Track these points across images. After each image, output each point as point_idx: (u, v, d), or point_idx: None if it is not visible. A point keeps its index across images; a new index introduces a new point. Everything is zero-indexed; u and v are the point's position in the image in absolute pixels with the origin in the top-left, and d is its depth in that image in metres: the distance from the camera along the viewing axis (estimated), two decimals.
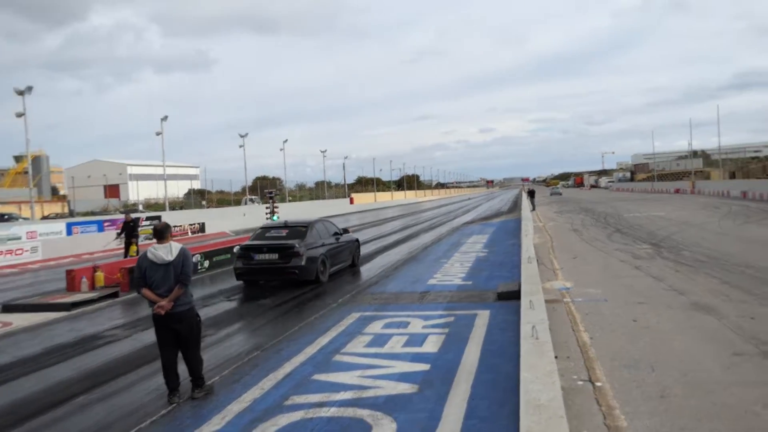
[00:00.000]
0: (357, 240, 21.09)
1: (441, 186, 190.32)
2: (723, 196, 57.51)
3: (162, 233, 9.54)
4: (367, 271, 19.50)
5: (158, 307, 9.33)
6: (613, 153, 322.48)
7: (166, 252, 9.41)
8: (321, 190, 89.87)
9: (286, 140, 73.09)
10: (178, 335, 9.37)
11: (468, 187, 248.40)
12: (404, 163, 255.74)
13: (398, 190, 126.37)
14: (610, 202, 55.65)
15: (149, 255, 9.46)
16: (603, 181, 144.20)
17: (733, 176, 77.61)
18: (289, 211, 49.65)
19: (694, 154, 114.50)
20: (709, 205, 43.95)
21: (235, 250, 19.80)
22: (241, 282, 18.00)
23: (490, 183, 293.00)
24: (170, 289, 9.36)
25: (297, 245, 17.40)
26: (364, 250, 24.44)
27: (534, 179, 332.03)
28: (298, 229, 18.22)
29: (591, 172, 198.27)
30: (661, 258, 18.73)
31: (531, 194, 53.59)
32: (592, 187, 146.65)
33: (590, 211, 42.69)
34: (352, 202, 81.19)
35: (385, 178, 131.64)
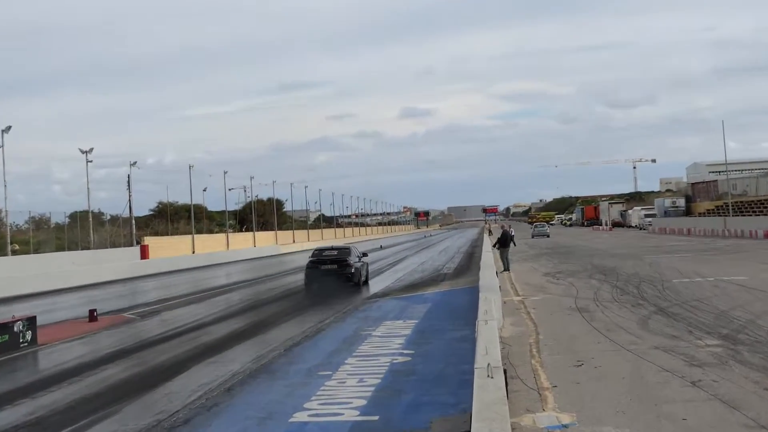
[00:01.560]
0: (367, 264, 32.19)
1: (327, 223, 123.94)
2: None
3: None
4: (175, 396, 12.28)
5: None
6: (653, 162, 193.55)
7: None
8: (80, 227, 52.72)
9: (8, 127, 43.62)
10: None
11: (381, 224, 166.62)
12: (253, 177, 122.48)
13: (241, 228, 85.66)
14: (647, 255, 38.78)
15: None
16: (635, 214, 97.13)
17: None
18: None
19: None
20: None
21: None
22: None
23: (422, 216, 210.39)
24: None
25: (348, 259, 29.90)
26: (177, 354, 16.42)
27: (507, 210, 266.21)
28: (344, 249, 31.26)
29: (613, 198, 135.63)
30: (740, 363, 12.37)
31: (502, 240, 33.62)
32: (615, 225, 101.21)
33: (610, 273, 28.75)
34: (145, 254, 53.83)
35: (214, 205, 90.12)
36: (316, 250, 31.82)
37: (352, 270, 29.56)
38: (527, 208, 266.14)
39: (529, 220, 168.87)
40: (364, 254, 32.40)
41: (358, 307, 22.96)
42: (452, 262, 43.98)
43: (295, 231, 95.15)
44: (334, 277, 29.22)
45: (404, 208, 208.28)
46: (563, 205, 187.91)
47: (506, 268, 31.21)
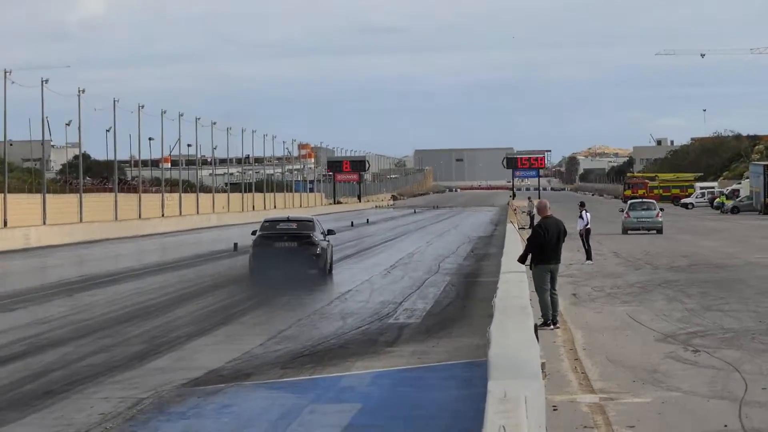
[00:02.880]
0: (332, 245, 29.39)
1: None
2: None
3: None
4: None
5: None
6: None
7: None
8: None
9: None
10: None
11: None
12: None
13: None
14: None
15: None
16: None
17: None
18: None
19: None
20: None
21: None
22: None
23: (347, 172, 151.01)
24: None
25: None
26: None
27: (563, 166, 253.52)
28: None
29: None
30: None
31: (536, 241, 17.91)
32: None
33: None
34: None
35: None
36: (266, 221, 28.88)
37: (317, 250, 26.97)
38: (616, 161, 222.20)
39: (625, 193, 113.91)
40: (330, 231, 29.15)
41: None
42: (421, 295, 25.03)
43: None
44: (293, 258, 26.52)
45: (301, 146, 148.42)
46: (718, 159, 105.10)
47: (552, 318, 16.97)
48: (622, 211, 56.55)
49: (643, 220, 52.87)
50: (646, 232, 51.77)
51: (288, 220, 28.77)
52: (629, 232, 51.70)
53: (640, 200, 62.85)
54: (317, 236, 27.45)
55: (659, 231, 51.27)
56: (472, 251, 42.58)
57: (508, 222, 55.21)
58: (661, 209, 54.62)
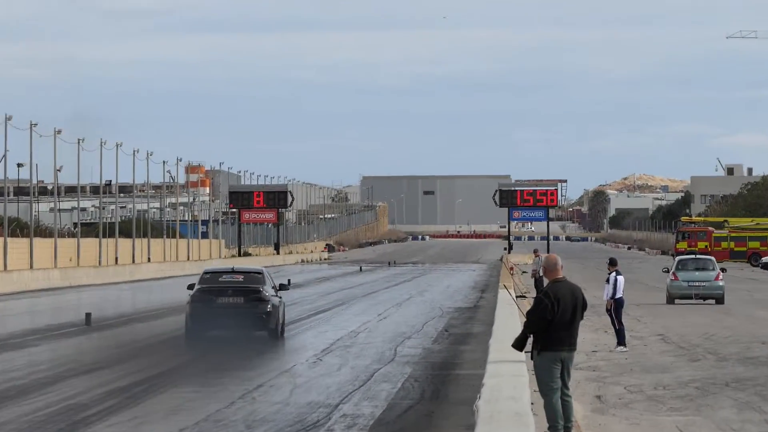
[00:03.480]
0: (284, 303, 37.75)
1: None
2: None
3: None
4: None
5: None
6: None
7: None
8: None
9: None
10: None
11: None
12: None
13: None
14: None
15: None
16: None
17: None
18: None
19: None
20: None
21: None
22: None
23: (261, 209, 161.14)
24: None
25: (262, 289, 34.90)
26: None
27: (584, 203, 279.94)
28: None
29: None
30: None
31: (539, 315, 17.65)
32: None
33: None
34: None
35: None
36: (206, 273, 36.66)
37: (268, 307, 34.24)
38: (664, 198, 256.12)
39: (678, 246, 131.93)
40: (282, 286, 37.66)
41: None
42: (368, 394, 26.27)
43: None
44: (238, 316, 33.91)
45: (190, 168, 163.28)
46: None
47: None
48: (667, 271, 58.78)
49: (697, 284, 54.70)
50: (702, 302, 53.90)
51: (233, 271, 36.69)
52: (677, 301, 54.21)
53: (694, 256, 65.83)
54: (267, 291, 34.76)
55: (719, 300, 53.87)
56: (446, 330, 43.73)
57: (500, 287, 55.76)
58: (723, 269, 56.68)
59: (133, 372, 28.41)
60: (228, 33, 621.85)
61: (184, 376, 27.27)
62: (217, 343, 36.81)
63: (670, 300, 54.05)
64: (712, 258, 63.16)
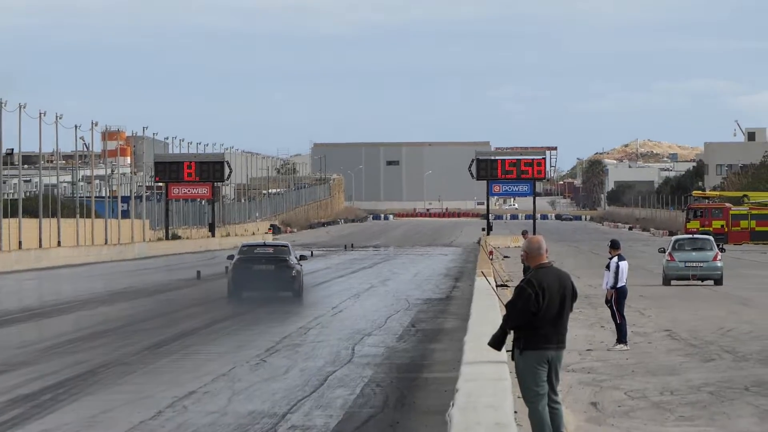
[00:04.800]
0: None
1: None
2: None
3: None
4: None
5: None
6: None
7: None
8: None
9: None
10: None
11: None
12: None
13: None
14: None
15: None
16: None
17: None
18: None
19: None
20: None
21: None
22: None
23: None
24: None
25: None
26: None
27: (581, 170, 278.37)
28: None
29: None
30: None
31: (522, 305, 18.62)
32: None
33: None
34: None
35: None
36: (244, 246, 56.71)
37: (293, 273, 52.92)
38: (673, 169, 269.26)
39: (688, 226, 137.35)
40: (302, 257, 57.68)
41: None
42: (321, 401, 26.86)
43: None
44: (270, 280, 53.26)
45: (108, 134, 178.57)
46: None
47: None
48: (663, 251, 64.40)
49: (694, 264, 60.50)
50: (699, 282, 59.23)
51: (264, 245, 58.40)
52: (673, 282, 59.97)
53: (691, 236, 74.51)
54: (292, 260, 53.52)
55: (717, 282, 60.10)
56: (413, 326, 44.62)
57: (477, 274, 56.12)
58: (721, 248, 62.16)
59: (42, 376, 28.60)
60: None
61: (104, 380, 27.31)
62: (149, 343, 37.09)
63: (666, 281, 60.53)
64: (710, 237, 68.69)
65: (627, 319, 35.62)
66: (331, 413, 24.02)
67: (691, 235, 77.08)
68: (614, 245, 37.04)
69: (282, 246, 55.69)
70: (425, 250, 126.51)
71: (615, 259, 35.95)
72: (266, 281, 52.13)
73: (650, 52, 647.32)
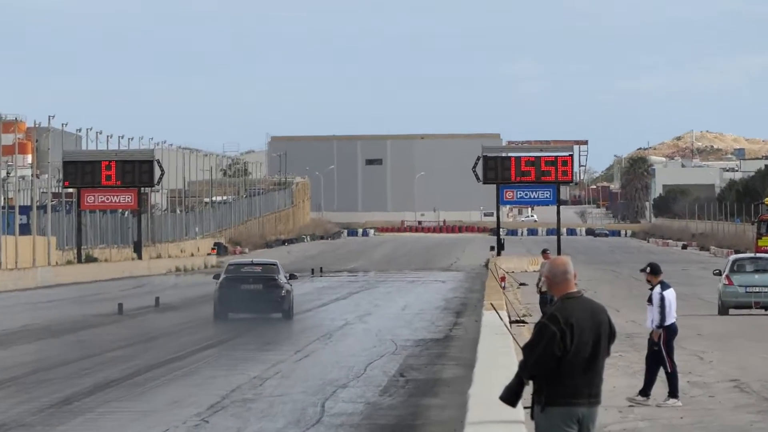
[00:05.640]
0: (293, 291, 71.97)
1: None
2: None
3: None
4: None
5: None
6: None
7: None
8: None
9: None
10: None
11: None
12: None
13: None
14: None
15: None
16: None
17: None
18: None
19: None
20: None
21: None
22: None
23: None
24: None
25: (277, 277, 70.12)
26: None
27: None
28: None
29: None
30: None
31: (539, 357, 19.06)
32: None
33: None
34: None
35: None
36: (231, 265, 67.87)
37: (282, 292, 63.67)
38: (738, 168, 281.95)
39: (760, 243, 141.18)
40: (292, 276, 70.16)
41: None
42: None
43: None
44: (259, 300, 63.82)
45: (3, 124, 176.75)
46: None
47: None
48: (719, 273, 65.66)
49: (757, 290, 61.67)
50: (763, 311, 60.72)
51: (252, 263, 67.02)
52: (731, 311, 61.06)
53: (753, 255, 76.60)
54: (281, 279, 63.33)
55: None
56: (402, 375, 45.21)
57: (486, 307, 56.34)
58: None
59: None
60: None
61: None
62: (55, 397, 37.36)
63: (723, 310, 61.42)
64: None
65: (678, 364, 35.64)
66: None
67: (754, 254, 76.42)
68: (654, 271, 36.94)
69: (271, 264, 66.95)
70: (416, 276, 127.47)
71: (657, 288, 35.88)
72: (254, 302, 62.52)
73: (709, 18, 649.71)
